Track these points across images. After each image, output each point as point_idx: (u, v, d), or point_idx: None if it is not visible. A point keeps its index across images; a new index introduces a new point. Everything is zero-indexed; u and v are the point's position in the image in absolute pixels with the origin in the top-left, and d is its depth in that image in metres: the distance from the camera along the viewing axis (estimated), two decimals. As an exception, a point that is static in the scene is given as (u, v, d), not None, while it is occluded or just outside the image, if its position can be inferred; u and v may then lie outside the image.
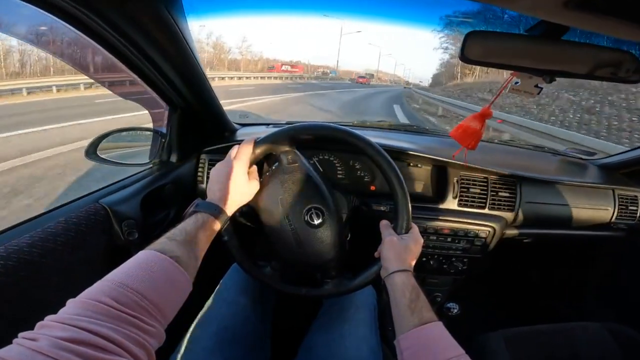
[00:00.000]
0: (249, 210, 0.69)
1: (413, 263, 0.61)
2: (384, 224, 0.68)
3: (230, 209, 0.59)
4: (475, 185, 0.94)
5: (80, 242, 0.64)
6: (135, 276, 0.39)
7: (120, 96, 0.87)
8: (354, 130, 0.68)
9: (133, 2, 0.53)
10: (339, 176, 1.00)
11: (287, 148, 0.69)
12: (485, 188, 0.94)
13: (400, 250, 0.61)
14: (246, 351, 0.68)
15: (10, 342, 0.29)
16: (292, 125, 0.69)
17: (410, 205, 0.66)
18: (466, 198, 0.94)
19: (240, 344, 0.67)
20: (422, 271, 1.03)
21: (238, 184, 0.60)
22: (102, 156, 0.84)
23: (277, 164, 0.70)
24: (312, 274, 0.73)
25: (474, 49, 0.57)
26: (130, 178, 0.84)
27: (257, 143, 0.66)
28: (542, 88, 0.64)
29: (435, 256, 0.97)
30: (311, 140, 0.70)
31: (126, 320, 0.34)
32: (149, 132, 0.95)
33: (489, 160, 0.97)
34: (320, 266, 0.70)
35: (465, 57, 0.57)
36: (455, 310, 1.22)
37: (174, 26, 0.61)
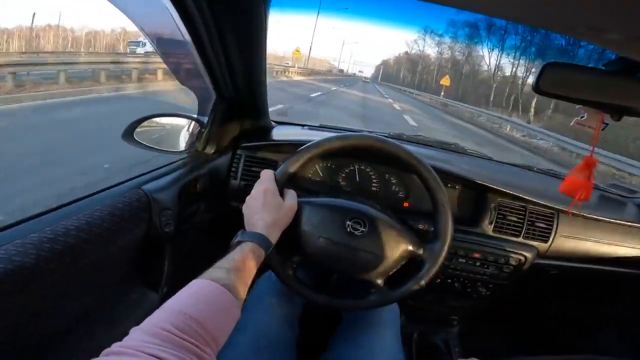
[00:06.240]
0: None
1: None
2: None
3: (273, 234, 0.59)
4: (512, 213, 0.94)
5: (122, 229, 0.62)
6: (193, 305, 0.41)
7: (179, 80, 0.85)
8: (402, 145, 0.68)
9: None
10: (373, 189, 0.98)
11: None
12: (522, 217, 0.94)
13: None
14: (278, 359, 0.66)
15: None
16: (307, 145, 0.68)
17: (452, 229, 0.66)
18: (502, 225, 0.94)
19: (274, 351, 0.66)
20: (445, 293, 1.02)
21: (272, 209, 0.61)
22: (139, 139, 0.81)
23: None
24: (358, 284, 0.71)
25: (550, 80, 0.54)
26: (170, 166, 0.81)
27: (276, 174, 0.66)
28: (607, 124, 0.64)
29: (462, 279, 0.97)
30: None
31: (187, 348, 0.36)
32: (186, 120, 0.92)
33: (528, 189, 0.97)
34: (367, 277, 0.69)
35: (539, 88, 0.54)
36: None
37: (262, 18, 0.60)
